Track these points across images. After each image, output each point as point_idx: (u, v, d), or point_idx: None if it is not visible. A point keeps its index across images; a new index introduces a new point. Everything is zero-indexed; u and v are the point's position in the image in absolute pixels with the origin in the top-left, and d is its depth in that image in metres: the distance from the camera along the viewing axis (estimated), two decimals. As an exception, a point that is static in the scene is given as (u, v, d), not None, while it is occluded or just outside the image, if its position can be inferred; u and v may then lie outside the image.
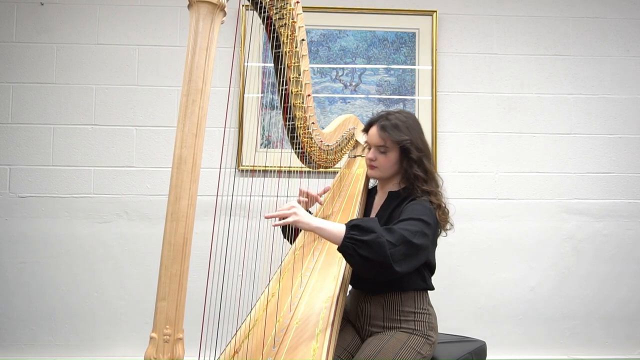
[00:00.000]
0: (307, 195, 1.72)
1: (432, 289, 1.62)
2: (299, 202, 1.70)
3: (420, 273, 1.56)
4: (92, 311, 2.66)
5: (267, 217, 1.33)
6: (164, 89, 2.74)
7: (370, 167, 1.64)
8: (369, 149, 1.64)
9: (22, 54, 2.71)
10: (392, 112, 1.64)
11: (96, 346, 2.66)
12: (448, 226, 1.59)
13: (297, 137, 1.52)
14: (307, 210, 1.67)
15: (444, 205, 1.56)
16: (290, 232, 1.70)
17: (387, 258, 1.28)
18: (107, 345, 2.66)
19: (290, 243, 1.72)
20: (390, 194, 1.64)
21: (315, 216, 1.71)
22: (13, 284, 2.65)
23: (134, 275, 2.67)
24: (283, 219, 1.31)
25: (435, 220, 1.50)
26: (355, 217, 1.65)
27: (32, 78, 2.71)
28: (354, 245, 1.28)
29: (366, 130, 1.67)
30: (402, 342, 1.48)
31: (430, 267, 1.60)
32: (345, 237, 1.29)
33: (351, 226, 1.31)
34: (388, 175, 1.64)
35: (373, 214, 1.68)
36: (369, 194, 1.80)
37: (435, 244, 1.59)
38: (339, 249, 1.31)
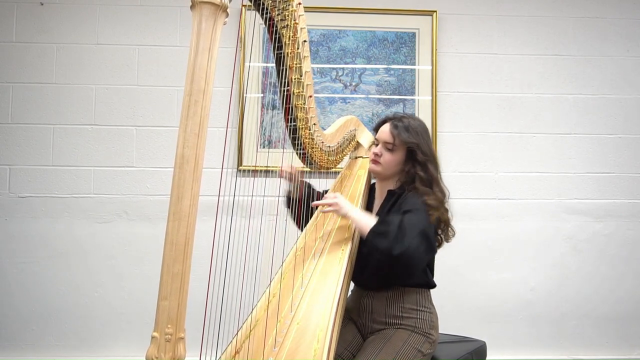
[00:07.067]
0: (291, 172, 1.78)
1: (434, 286, 1.63)
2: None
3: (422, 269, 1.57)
4: (92, 311, 2.66)
5: (313, 205, 1.60)
6: (164, 89, 2.74)
7: (374, 162, 1.66)
8: (376, 145, 1.68)
9: (22, 54, 2.71)
10: (406, 115, 1.69)
11: (96, 346, 2.65)
12: (450, 233, 1.59)
13: (298, 138, 1.53)
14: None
15: (444, 216, 1.54)
16: (301, 219, 1.75)
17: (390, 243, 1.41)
18: (107, 345, 2.66)
19: (300, 228, 1.79)
20: (389, 192, 1.66)
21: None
22: (13, 284, 2.65)
23: (133, 275, 2.67)
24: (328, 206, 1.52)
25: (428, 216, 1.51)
26: None
27: (32, 78, 2.71)
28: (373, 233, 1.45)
29: (378, 127, 1.72)
30: (402, 340, 1.49)
31: (430, 264, 1.63)
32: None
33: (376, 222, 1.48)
34: (389, 173, 1.66)
35: (373, 214, 1.68)
36: (370, 193, 1.81)
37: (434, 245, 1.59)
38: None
